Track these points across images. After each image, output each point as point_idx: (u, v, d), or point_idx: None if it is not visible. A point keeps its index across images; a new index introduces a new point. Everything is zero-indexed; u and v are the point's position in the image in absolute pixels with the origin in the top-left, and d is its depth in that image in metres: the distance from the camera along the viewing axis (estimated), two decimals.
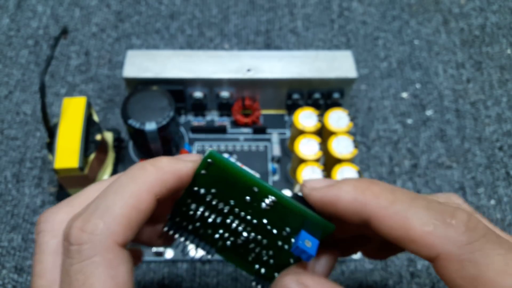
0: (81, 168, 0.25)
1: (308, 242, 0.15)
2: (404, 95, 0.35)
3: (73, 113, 0.27)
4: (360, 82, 0.36)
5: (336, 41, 0.38)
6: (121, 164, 0.31)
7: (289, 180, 0.30)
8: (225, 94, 0.31)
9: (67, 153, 0.25)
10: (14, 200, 0.29)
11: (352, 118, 0.29)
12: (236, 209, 0.16)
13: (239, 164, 0.16)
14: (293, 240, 0.16)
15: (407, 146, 0.32)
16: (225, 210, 0.16)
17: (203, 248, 0.18)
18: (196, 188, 0.16)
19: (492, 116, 0.34)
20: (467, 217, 0.14)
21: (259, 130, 0.32)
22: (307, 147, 0.27)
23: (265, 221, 0.16)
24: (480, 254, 0.13)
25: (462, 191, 0.30)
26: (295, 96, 0.31)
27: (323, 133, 0.29)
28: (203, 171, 0.16)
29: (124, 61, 0.30)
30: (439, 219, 0.14)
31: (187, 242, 0.18)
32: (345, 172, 0.26)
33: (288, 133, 0.32)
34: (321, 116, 0.29)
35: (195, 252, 0.18)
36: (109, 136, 0.30)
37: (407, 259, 0.28)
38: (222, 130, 0.32)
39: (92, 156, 0.26)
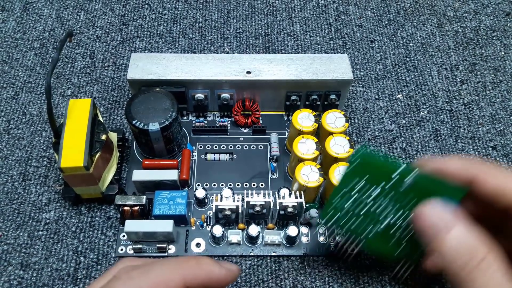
0: (87, 167, 0.26)
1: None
2: (399, 96, 0.36)
3: (78, 113, 0.28)
4: (356, 84, 0.36)
5: (333, 44, 0.39)
6: (125, 163, 0.32)
7: (288, 178, 0.31)
8: (225, 95, 0.32)
9: (73, 152, 0.26)
10: (20, 198, 0.30)
11: (348, 119, 0.30)
12: (380, 196, 0.20)
13: (380, 153, 0.20)
14: None
15: (402, 146, 0.33)
16: (369, 200, 0.20)
17: (351, 241, 0.21)
18: (345, 189, 0.20)
19: (486, 116, 0.35)
20: None
21: (258, 130, 0.33)
22: (305, 146, 0.28)
23: (404, 201, 0.19)
24: None
25: None
26: (294, 97, 0.32)
27: (321, 133, 0.30)
28: (352, 169, 0.20)
29: (128, 64, 0.31)
30: None
31: (338, 236, 0.23)
32: (342, 170, 0.27)
33: (286, 133, 0.33)
34: (318, 116, 0.30)
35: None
36: (113, 136, 0.31)
37: None
38: (223, 130, 0.33)
39: (97, 155, 0.27)
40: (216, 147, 0.32)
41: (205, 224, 0.29)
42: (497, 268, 0.17)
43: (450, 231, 0.17)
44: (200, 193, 0.29)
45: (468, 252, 0.17)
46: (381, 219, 0.21)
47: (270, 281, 0.27)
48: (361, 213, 0.21)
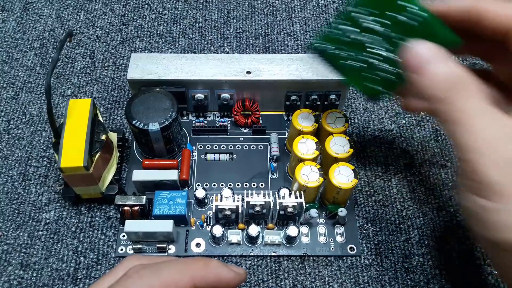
0: (87, 167, 0.26)
1: None
2: None
3: (78, 113, 0.28)
4: None
5: None
6: (125, 163, 0.32)
7: (288, 178, 0.31)
8: (225, 95, 0.32)
9: (73, 152, 0.26)
10: (20, 198, 0.30)
11: (348, 119, 0.30)
12: (375, 27, 0.21)
13: None
14: None
15: (402, 146, 0.33)
16: (366, 28, 0.21)
17: (337, 69, 0.23)
18: (351, 8, 0.21)
19: None
20: None
21: (258, 130, 0.33)
22: (305, 146, 0.28)
23: (400, 36, 0.20)
24: None
25: (456, 189, 0.31)
26: (294, 97, 0.32)
27: (321, 133, 0.30)
28: None
29: (128, 64, 0.31)
30: None
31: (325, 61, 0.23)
32: (342, 171, 0.27)
33: (286, 133, 0.33)
34: (318, 116, 0.30)
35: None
36: (113, 136, 0.31)
37: (402, 255, 0.29)
38: (223, 130, 0.33)
39: (97, 155, 0.27)
40: (216, 147, 0.32)
41: (205, 224, 0.29)
42: (477, 93, 0.18)
43: (436, 64, 0.19)
44: (200, 193, 0.29)
45: (452, 80, 0.18)
46: (370, 51, 0.21)
47: (270, 281, 0.27)
48: (353, 43, 0.22)
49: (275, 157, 0.31)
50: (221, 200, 0.28)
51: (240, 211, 0.27)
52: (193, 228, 0.29)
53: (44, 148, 0.32)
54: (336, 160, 0.28)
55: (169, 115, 0.28)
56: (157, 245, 0.28)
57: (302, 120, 0.29)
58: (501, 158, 0.17)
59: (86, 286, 0.27)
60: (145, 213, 0.28)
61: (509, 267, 0.18)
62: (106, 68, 0.37)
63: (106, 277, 0.19)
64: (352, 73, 0.23)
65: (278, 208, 0.27)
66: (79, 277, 0.27)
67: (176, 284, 0.18)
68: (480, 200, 0.17)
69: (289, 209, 0.27)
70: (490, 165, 0.17)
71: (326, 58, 0.23)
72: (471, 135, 0.17)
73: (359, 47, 0.22)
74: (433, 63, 0.19)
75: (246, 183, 0.31)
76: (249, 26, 0.40)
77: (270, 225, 0.29)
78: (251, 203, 0.27)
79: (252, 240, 0.28)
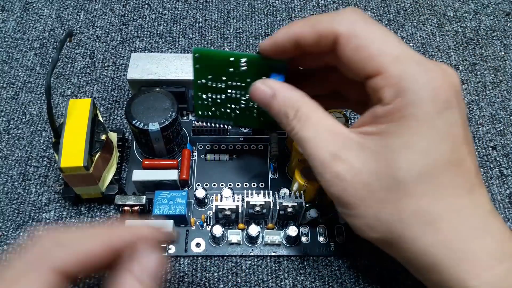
0: (87, 167, 0.26)
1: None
2: None
3: (78, 113, 0.28)
4: None
5: None
6: (125, 163, 0.32)
7: (288, 178, 0.31)
8: None
9: (73, 152, 0.26)
10: (20, 198, 0.30)
11: (348, 119, 0.30)
12: (229, 82, 0.24)
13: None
14: None
15: None
16: (223, 86, 0.25)
17: (224, 124, 0.27)
18: (199, 82, 0.25)
19: (486, 116, 0.35)
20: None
21: (258, 130, 0.33)
22: None
23: (249, 80, 0.24)
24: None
25: None
26: None
27: None
28: (197, 66, 0.24)
29: (128, 64, 0.31)
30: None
31: (213, 123, 0.28)
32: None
33: (286, 133, 0.33)
34: None
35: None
36: (113, 136, 0.31)
37: None
38: (223, 130, 0.33)
39: (97, 155, 0.27)
40: (216, 147, 0.32)
41: (205, 224, 0.29)
42: (311, 115, 0.20)
43: (275, 97, 0.21)
44: (200, 193, 0.29)
45: (289, 107, 0.21)
46: (239, 97, 0.25)
47: (270, 281, 0.27)
48: (223, 97, 0.25)
49: (275, 157, 0.31)
50: (221, 200, 0.28)
51: (240, 211, 0.27)
52: (193, 228, 0.29)
53: (44, 148, 0.32)
54: None
55: (169, 115, 0.28)
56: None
57: None
58: (334, 174, 0.19)
59: (86, 286, 0.27)
60: (145, 213, 0.28)
61: (397, 257, 0.20)
62: (106, 68, 0.37)
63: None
64: (242, 118, 0.26)
65: (278, 208, 0.27)
66: (79, 277, 0.27)
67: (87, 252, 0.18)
68: (339, 208, 0.20)
69: (289, 209, 0.27)
70: (330, 182, 0.19)
71: (210, 116, 0.27)
72: (311, 157, 0.20)
73: (232, 100, 0.25)
74: (271, 98, 0.21)
75: (246, 183, 0.31)
76: (249, 26, 0.40)
77: (270, 225, 0.29)
78: (251, 203, 0.27)
79: (252, 240, 0.28)
